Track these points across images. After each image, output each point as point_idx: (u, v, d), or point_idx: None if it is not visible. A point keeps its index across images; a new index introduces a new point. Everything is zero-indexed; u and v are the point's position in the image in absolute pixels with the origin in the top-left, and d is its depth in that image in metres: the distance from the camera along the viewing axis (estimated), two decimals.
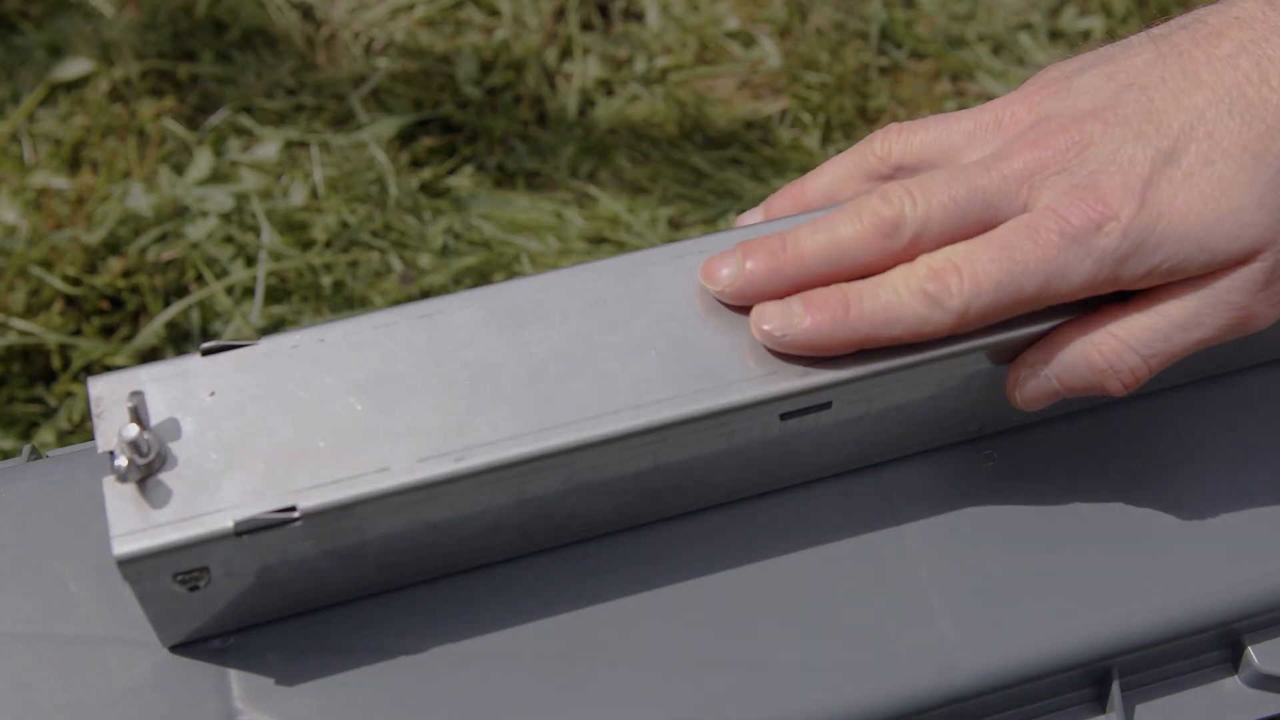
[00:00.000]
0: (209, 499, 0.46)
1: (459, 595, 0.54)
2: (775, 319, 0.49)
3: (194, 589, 0.48)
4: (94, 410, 0.47)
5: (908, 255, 0.49)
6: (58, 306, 1.29)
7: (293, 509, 0.46)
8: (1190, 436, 0.58)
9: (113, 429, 0.47)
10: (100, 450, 0.46)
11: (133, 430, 0.46)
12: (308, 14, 1.47)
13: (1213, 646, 0.55)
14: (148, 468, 0.46)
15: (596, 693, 0.51)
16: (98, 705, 0.51)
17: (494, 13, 1.48)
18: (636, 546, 0.55)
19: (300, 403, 0.48)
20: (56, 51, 1.41)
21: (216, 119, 1.38)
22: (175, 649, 0.52)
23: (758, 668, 0.52)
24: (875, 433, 0.54)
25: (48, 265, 1.30)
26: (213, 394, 0.48)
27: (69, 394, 1.26)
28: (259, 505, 0.46)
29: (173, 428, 0.48)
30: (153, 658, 0.52)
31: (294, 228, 1.33)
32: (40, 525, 0.55)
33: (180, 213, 1.33)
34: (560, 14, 1.48)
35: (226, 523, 0.46)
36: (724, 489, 0.54)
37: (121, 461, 0.46)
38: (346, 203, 1.34)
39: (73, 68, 1.39)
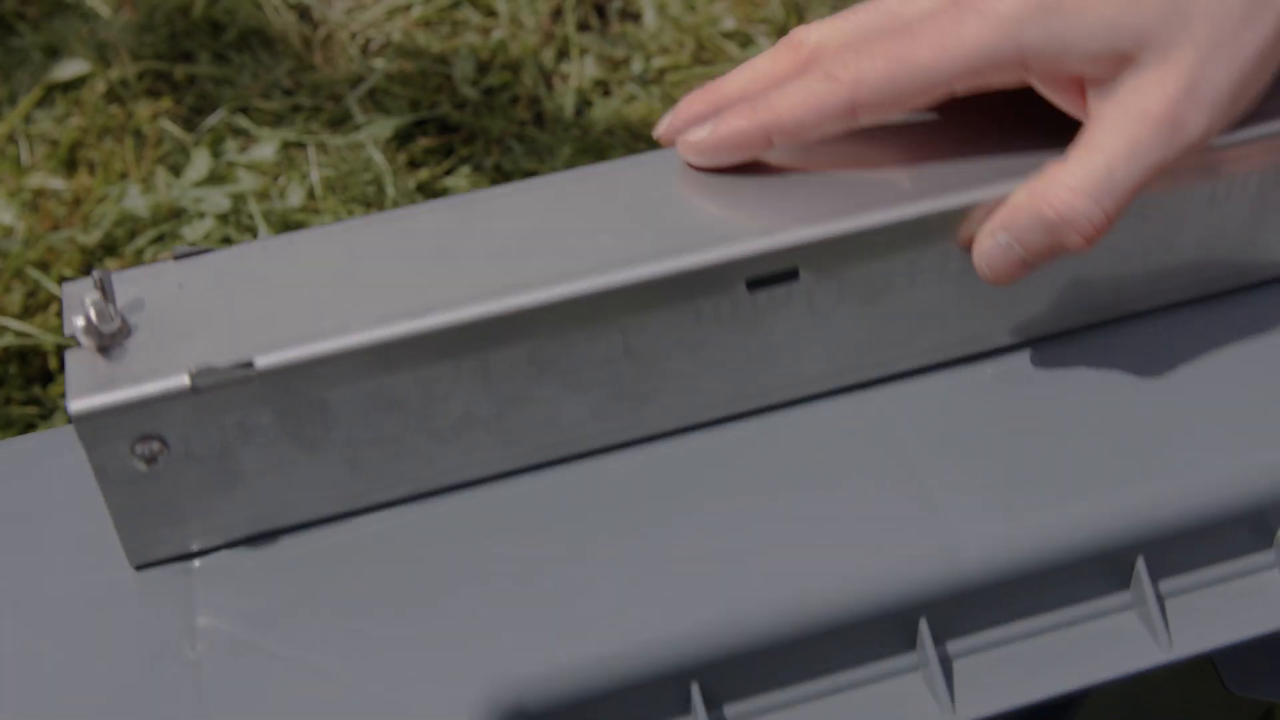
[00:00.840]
0: (169, 362, 0.46)
1: (440, 515, 0.52)
2: (694, 130, 0.52)
3: (152, 461, 0.47)
4: (65, 306, 0.47)
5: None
6: (54, 308, 1.28)
7: (250, 364, 0.46)
8: (1210, 344, 0.57)
9: (79, 312, 0.46)
10: (66, 333, 0.46)
11: (96, 296, 0.46)
12: (304, 15, 1.47)
13: (1245, 539, 0.53)
14: (110, 338, 0.46)
15: (587, 597, 0.50)
16: (60, 622, 0.50)
17: (491, 13, 1.48)
18: (621, 461, 0.53)
19: (266, 288, 0.49)
20: (53, 52, 1.41)
21: (213, 120, 1.38)
22: (144, 569, 0.51)
23: (749, 562, 0.50)
24: (857, 333, 0.53)
25: (44, 267, 1.29)
26: (182, 286, 0.48)
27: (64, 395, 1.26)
28: (217, 361, 0.46)
29: (138, 306, 0.47)
30: (119, 575, 0.51)
31: (291, 228, 1.33)
32: (22, 484, 0.54)
33: (177, 214, 1.33)
34: (557, 14, 1.48)
35: (183, 379, 0.45)
36: (705, 398, 0.53)
37: (80, 322, 0.46)
38: (343, 203, 1.34)
39: (69, 69, 1.39)
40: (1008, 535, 0.50)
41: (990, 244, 0.51)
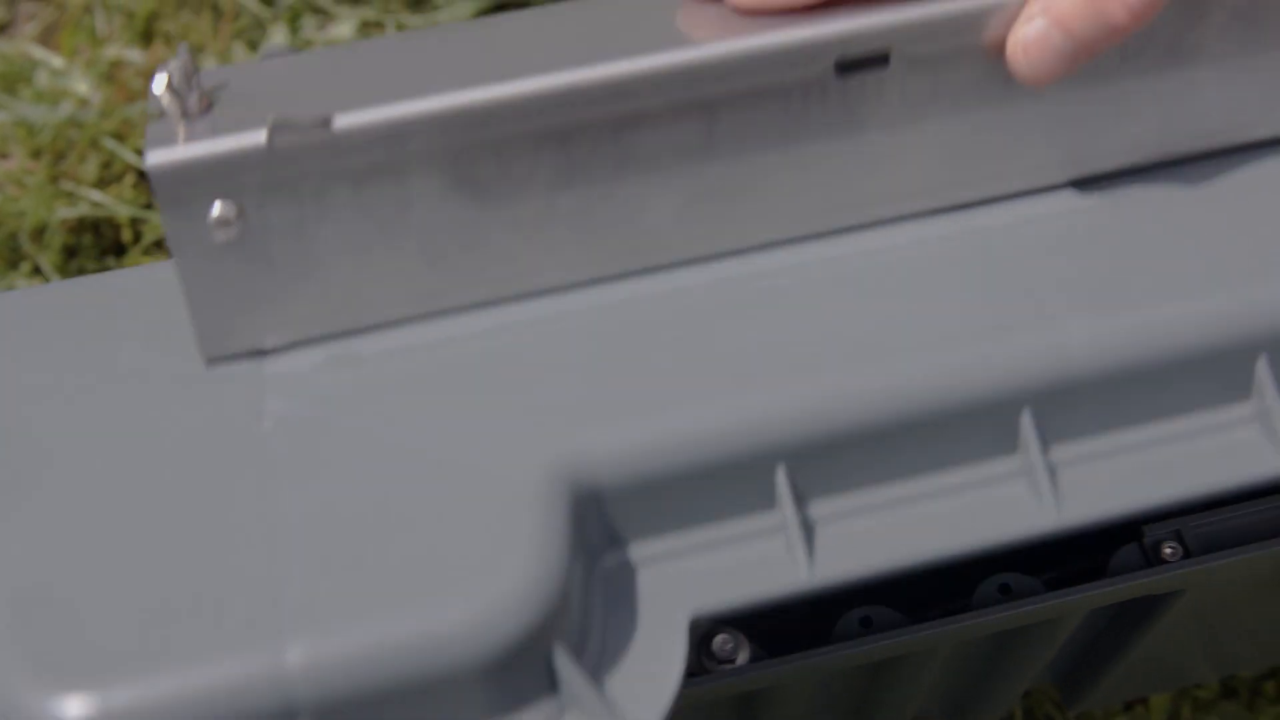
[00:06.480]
0: (248, 124, 0.45)
1: (520, 316, 0.51)
2: None
3: (228, 226, 0.46)
4: (150, 97, 0.47)
5: None
6: (130, 179, 1.28)
7: (328, 121, 0.44)
8: None
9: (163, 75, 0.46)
10: (150, 109, 0.45)
11: (180, 62, 0.45)
12: None
13: None
14: (193, 104, 0.45)
15: (671, 380, 0.47)
16: (131, 404, 0.49)
17: None
18: (709, 268, 0.51)
19: (351, 73, 0.48)
20: None
21: None
22: (215, 363, 0.50)
23: (845, 351, 0.48)
24: (954, 142, 0.51)
25: (120, 138, 1.29)
26: (267, 75, 0.48)
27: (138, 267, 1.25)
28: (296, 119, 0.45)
29: (222, 85, 0.47)
30: (191, 367, 0.50)
31: None
32: (99, 308, 0.53)
33: None
34: None
35: (261, 136, 0.44)
36: (797, 206, 0.51)
37: (163, 84, 0.45)
38: None
39: None
40: (1114, 329, 0.47)
41: (1028, 29, 0.46)
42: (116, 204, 1.25)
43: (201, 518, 0.44)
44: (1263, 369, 0.48)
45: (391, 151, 0.45)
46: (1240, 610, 0.71)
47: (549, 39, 0.48)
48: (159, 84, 0.45)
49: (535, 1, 1.38)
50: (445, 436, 0.45)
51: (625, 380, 0.47)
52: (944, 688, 0.68)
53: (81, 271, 1.25)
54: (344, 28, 1.35)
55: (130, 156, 1.26)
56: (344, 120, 0.44)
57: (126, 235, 1.25)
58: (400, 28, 1.35)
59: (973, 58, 0.49)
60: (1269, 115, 0.54)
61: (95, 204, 1.25)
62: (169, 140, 0.45)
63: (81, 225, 1.26)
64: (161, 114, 0.45)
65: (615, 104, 0.47)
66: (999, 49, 0.48)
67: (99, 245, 1.26)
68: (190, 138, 0.44)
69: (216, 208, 0.45)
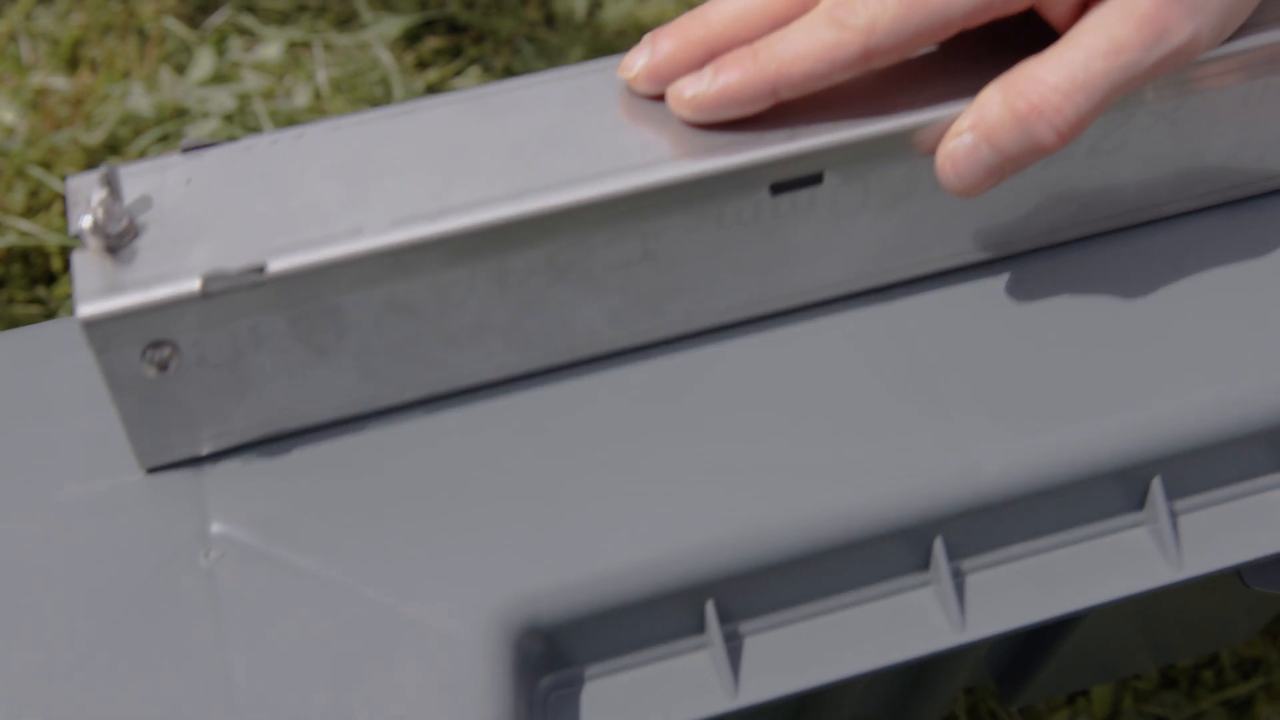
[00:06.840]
0: (179, 266, 0.45)
1: (452, 422, 0.51)
2: (689, 84, 0.48)
3: (164, 368, 0.46)
4: (69, 202, 0.46)
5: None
6: (58, 207, 1.27)
7: (261, 269, 0.45)
8: (1237, 251, 0.55)
9: (85, 211, 0.45)
10: (71, 232, 0.45)
11: (103, 194, 0.45)
12: None
13: (1262, 459, 0.52)
14: (118, 238, 0.45)
15: (602, 510, 0.49)
16: (69, 527, 0.49)
17: None
18: (637, 368, 0.52)
19: (278, 185, 0.48)
20: None
21: (218, 18, 1.36)
22: (154, 471, 0.50)
23: (765, 477, 0.49)
24: (880, 239, 0.52)
25: (47, 166, 1.28)
26: (189, 181, 0.47)
27: (69, 296, 1.25)
28: (228, 266, 0.45)
29: (145, 205, 0.46)
30: (129, 479, 0.50)
31: None
32: (28, 379, 0.53)
33: (181, 113, 1.31)
34: None
35: (194, 284, 0.44)
36: (723, 303, 0.52)
37: (87, 222, 0.45)
38: (351, 104, 1.32)
39: None
40: (1024, 452, 0.49)
41: (956, 144, 0.48)
42: (45, 232, 1.24)
43: (154, 683, 0.44)
44: (1157, 485, 0.50)
45: (326, 288, 0.46)
46: (1174, 599, 0.73)
47: (485, 148, 0.48)
48: (85, 223, 0.45)
49: (460, 19, 1.38)
50: (388, 577, 0.46)
51: (562, 511, 0.48)
52: (881, 686, 0.69)
53: (11, 302, 1.24)
54: (271, 49, 1.34)
55: (57, 185, 1.26)
56: (277, 264, 0.45)
57: (56, 264, 1.25)
58: (328, 48, 1.35)
59: (903, 168, 0.50)
60: (1181, 196, 0.56)
61: (23, 233, 1.25)
62: (97, 283, 0.45)
63: (10, 255, 1.25)
64: (85, 245, 0.46)
65: (550, 234, 0.47)
66: (929, 157, 0.50)
67: (29, 274, 1.26)
68: (120, 281, 0.44)
69: (150, 352, 0.45)
